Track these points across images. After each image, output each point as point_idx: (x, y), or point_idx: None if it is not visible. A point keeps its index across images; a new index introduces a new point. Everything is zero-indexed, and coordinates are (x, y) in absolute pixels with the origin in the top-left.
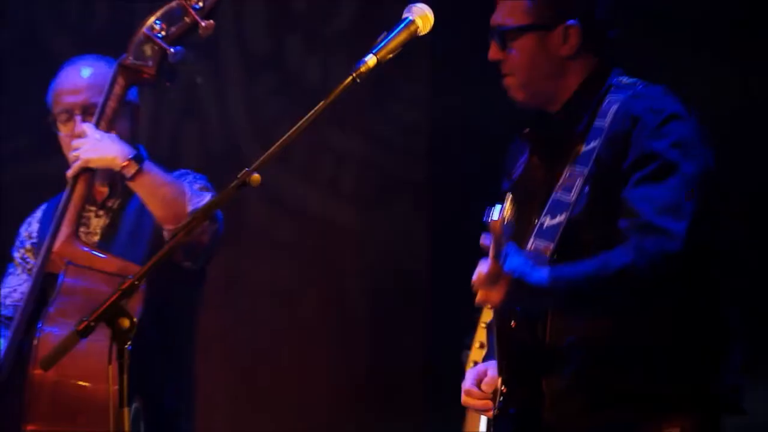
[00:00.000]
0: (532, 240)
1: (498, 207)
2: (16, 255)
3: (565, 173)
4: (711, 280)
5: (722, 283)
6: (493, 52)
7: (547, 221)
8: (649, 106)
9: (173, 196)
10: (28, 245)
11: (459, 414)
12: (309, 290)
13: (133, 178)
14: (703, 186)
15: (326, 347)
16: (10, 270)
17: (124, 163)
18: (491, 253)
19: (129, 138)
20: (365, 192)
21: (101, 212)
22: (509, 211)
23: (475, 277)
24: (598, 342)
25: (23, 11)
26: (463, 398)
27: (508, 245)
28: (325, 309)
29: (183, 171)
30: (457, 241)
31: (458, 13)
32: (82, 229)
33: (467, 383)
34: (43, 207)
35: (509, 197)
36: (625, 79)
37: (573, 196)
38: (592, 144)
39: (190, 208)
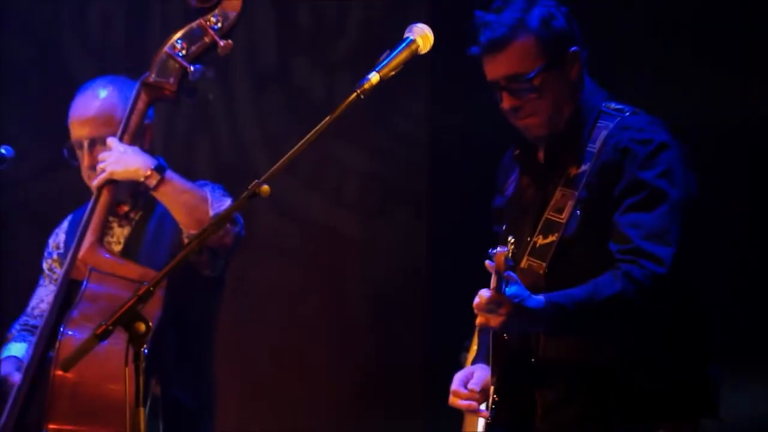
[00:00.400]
0: (525, 258)
1: (501, 247)
2: (44, 266)
3: (557, 194)
4: (693, 294)
5: (702, 296)
6: (509, 102)
7: (540, 240)
8: (637, 138)
9: (195, 202)
10: (55, 255)
11: (457, 416)
12: (313, 295)
13: (156, 187)
14: (687, 210)
15: (329, 351)
16: (40, 282)
17: (147, 173)
18: (492, 283)
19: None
20: (368, 202)
21: (124, 222)
22: (512, 248)
23: (476, 301)
24: (588, 354)
25: (48, 31)
26: (450, 399)
27: (509, 273)
28: (328, 314)
29: (201, 182)
30: (455, 249)
31: (457, 32)
32: (105, 238)
33: (455, 384)
34: (69, 218)
35: (512, 239)
36: (613, 105)
37: (564, 216)
38: (583, 167)
39: (212, 213)
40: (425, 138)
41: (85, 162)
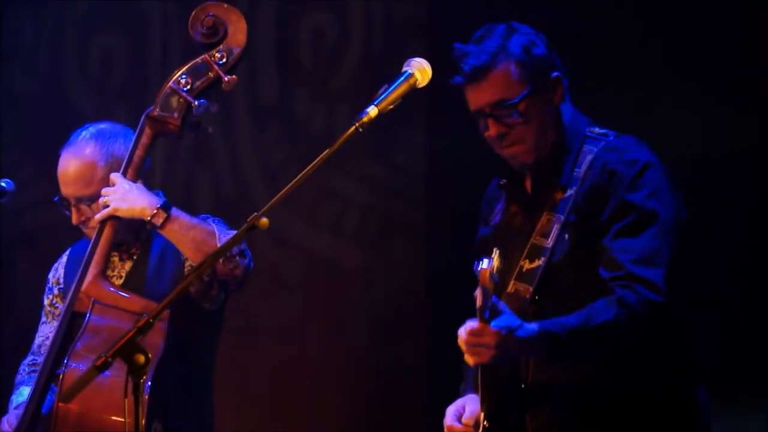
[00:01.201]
0: (512, 283)
1: (486, 259)
2: (45, 302)
3: (543, 219)
4: (683, 315)
5: (692, 320)
6: (495, 128)
7: (527, 265)
8: (623, 159)
9: (203, 237)
10: (56, 291)
11: None
12: (314, 325)
13: (162, 226)
14: (676, 230)
15: (330, 382)
16: (42, 319)
17: (154, 212)
18: (478, 310)
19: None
20: (367, 233)
21: (125, 257)
22: (497, 263)
23: (461, 337)
24: (578, 378)
25: (48, 65)
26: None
27: (495, 299)
28: (329, 344)
29: (203, 216)
30: (452, 279)
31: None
32: (107, 273)
33: (448, 419)
34: (68, 252)
35: (497, 251)
36: (597, 129)
37: (551, 241)
38: (569, 192)
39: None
40: (423, 170)
41: (73, 218)
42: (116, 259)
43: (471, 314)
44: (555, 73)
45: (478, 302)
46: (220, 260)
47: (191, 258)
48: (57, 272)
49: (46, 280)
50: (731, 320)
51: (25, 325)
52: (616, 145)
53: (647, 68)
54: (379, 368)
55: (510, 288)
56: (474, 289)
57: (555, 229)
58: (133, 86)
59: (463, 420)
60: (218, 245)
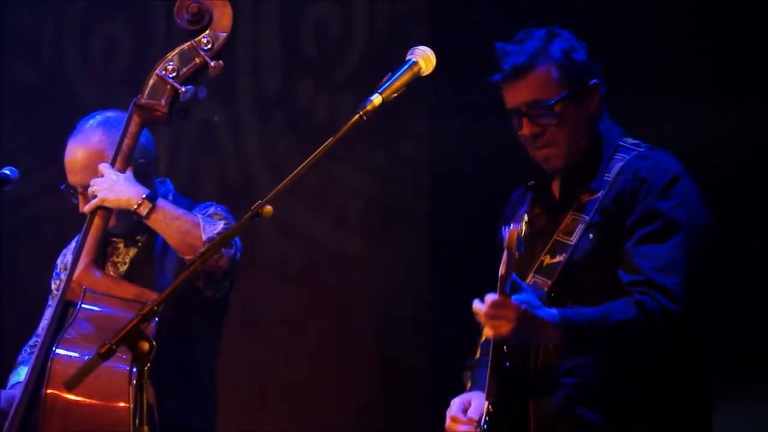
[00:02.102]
0: (531, 276)
1: (513, 223)
2: (53, 286)
3: (568, 218)
4: (697, 323)
5: (706, 321)
6: (530, 128)
7: (547, 260)
8: (656, 168)
9: (187, 227)
10: (63, 276)
11: None
12: (318, 314)
13: (147, 216)
14: (702, 240)
15: (333, 371)
16: (49, 302)
17: (139, 202)
18: (499, 282)
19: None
20: (371, 223)
21: (130, 243)
22: (524, 227)
23: (478, 306)
24: (586, 370)
25: (52, 53)
26: (448, 424)
27: (515, 277)
28: (332, 333)
29: (208, 203)
30: (456, 268)
31: (458, 54)
32: (112, 258)
33: (453, 410)
34: (76, 238)
35: (525, 218)
36: (629, 140)
37: (574, 239)
38: (598, 195)
39: (205, 237)
40: (427, 158)
41: (80, 206)
42: (121, 245)
43: (476, 295)
44: (593, 81)
45: (502, 268)
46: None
47: (175, 248)
48: (65, 258)
49: (53, 265)
50: (738, 315)
51: (29, 311)
52: (650, 155)
53: (645, 64)
54: (382, 357)
55: (529, 280)
56: (482, 279)
57: (579, 228)
58: (136, 75)
59: (469, 414)
60: (203, 236)
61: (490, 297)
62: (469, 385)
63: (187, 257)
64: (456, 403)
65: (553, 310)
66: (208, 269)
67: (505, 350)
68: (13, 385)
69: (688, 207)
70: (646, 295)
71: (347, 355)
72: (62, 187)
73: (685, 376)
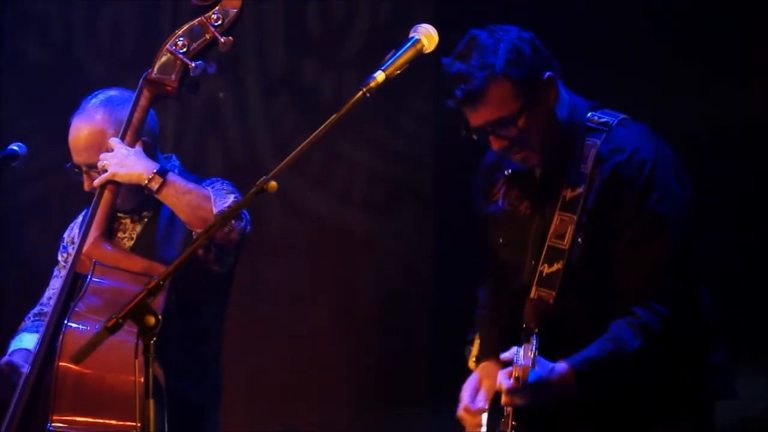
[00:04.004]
0: (534, 288)
1: (521, 350)
2: (60, 258)
3: (556, 219)
4: (696, 292)
5: (704, 290)
6: (498, 144)
7: (546, 269)
8: (631, 162)
9: (198, 201)
10: (70, 249)
11: None
12: (322, 291)
13: (158, 191)
14: (687, 221)
15: (337, 347)
16: (55, 273)
17: (150, 177)
18: (514, 373)
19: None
20: (375, 199)
21: (136, 218)
22: (534, 355)
23: (499, 385)
24: None
25: (61, 33)
26: (460, 412)
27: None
28: (336, 309)
29: (214, 179)
30: (460, 244)
31: (461, 31)
32: (118, 233)
33: (465, 398)
34: (84, 212)
35: (533, 341)
36: (596, 117)
37: (567, 243)
38: (578, 190)
39: (216, 210)
40: (430, 136)
41: (85, 185)
42: (128, 221)
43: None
44: (547, 74)
45: (515, 372)
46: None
47: (187, 222)
48: (72, 231)
49: (60, 238)
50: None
51: (35, 286)
52: (619, 143)
53: (639, 48)
54: (384, 332)
55: (533, 294)
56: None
57: (570, 231)
58: (143, 54)
59: (478, 403)
60: (213, 209)
61: (505, 383)
62: (477, 343)
63: (197, 230)
64: (467, 390)
65: (564, 366)
66: (219, 242)
67: None
68: (12, 352)
69: (668, 196)
70: (647, 309)
71: (352, 330)
72: (67, 166)
73: (691, 342)
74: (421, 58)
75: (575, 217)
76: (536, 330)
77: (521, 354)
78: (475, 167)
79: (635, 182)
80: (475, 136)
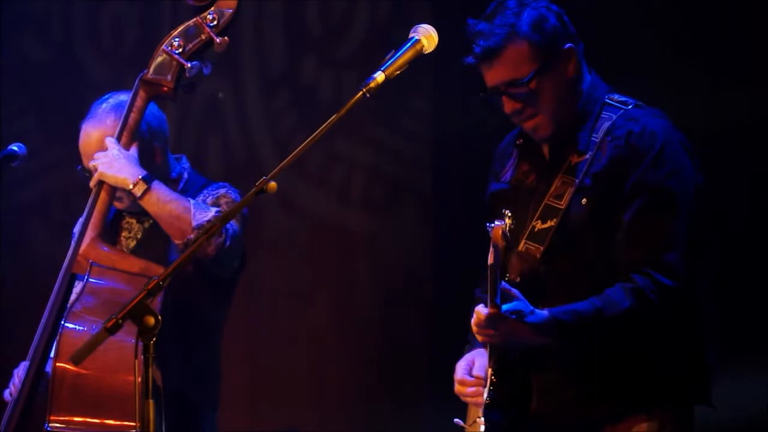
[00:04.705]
0: (523, 242)
1: (498, 220)
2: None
3: (557, 181)
4: (696, 286)
5: (703, 285)
6: (510, 105)
7: (539, 225)
8: (645, 133)
9: (178, 212)
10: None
11: (462, 406)
12: (322, 290)
13: (141, 197)
14: (695, 205)
15: (337, 345)
16: None
17: (135, 182)
18: (489, 294)
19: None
20: (374, 198)
21: (143, 218)
22: (509, 222)
23: (474, 319)
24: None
25: (62, 33)
26: (457, 388)
27: (505, 285)
28: (336, 308)
29: (221, 183)
30: (458, 243)
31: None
32: (123, 234)
33: (459, 373)
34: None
35: (508, 213)
36: (616, 97)
37: (564, 203)
38: (585, 156)
39: (195, 223)
40: (429, 135)
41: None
42: (134, 221)
43: (477, 272)
44: (567, 45)
45: (490, 258)
46: (188, 237)
47: (166, 231)
48: (81, 227)
49: (71, 234)
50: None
51: (38, 285)
52: (636, 116)
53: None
54: (385, 333)
55: (521, 247)
56: (482, 249)
57: (569, 192)
58: (143, 53)
59: (474, 373)
60: (192, 222)
61: (482, 311)
62: (467, 347)
63: (177, 242)
64: (461, 366)
65: (544, 312)
66: (197, 255)
67: None
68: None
69: (679, 174)
70: (647, 278)
71: (351, 329)
72: (78, 168)
73: (684, 344)
74: (420, 57)
75: (576, 180)
76: (518, 280)
77: (495, 223)
78: (474, 167)
79: (647, 154)
80: (488, 99)
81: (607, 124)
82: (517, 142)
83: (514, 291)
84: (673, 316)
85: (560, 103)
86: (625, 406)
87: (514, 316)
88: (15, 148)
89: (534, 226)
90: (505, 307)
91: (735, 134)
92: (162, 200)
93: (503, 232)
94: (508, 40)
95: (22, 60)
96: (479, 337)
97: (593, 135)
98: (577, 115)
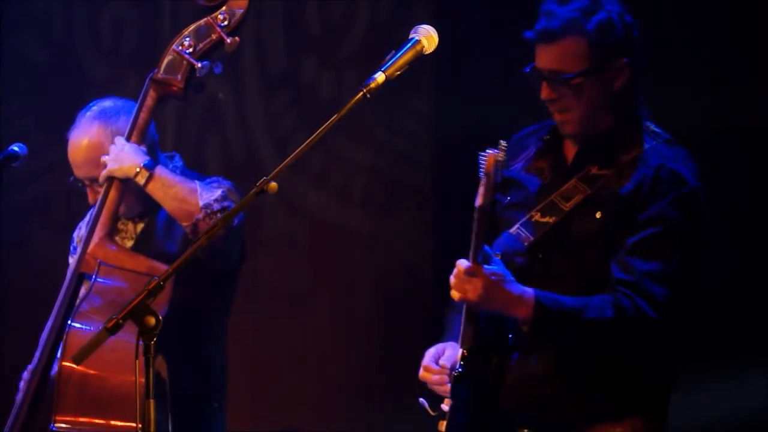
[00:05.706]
0: (517, 226)
1: (491, 149)
2: (70, 261)
3: (570, 183)
4: (676, 335)
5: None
6: (546, 92)
7: (536, 216)
8: (678, 171)
9: (184, 194)
10: (79, 250)
11: None
12: (321, 290)
13: (146, 184)
14: (699, 256)
15: (337, 345)
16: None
17: (137, 170)
18: (471, 251)
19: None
20: (374, 198)
21: (137, 219)
22: (503, 154)
23: (453, 272)
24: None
25: (62, 33)
26: (421, 373)
27: (488, 249)
28: (336, 308)
29: (215, 178)
30: (458, 244)
31: (461, 32)
32: (119, 234)
33: (426, 359)
34: (91, 212)
35: (502, 143)
36: (652, 126)
37: (570, 206)
38: (605, 171)
39: (202, 203)
40: (429, 136)
41: (89, 198)
42: (129, 223)
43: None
44: (625, 60)
45: (480, 199)
46: (195, 217)
47: (173, 214)
48: (80, 231)
49: (70, 239)
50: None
51: (38, 286)
52: (670, 152)
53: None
54: (385, 333)
55: (513, 230)
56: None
57: (578, 198)
58: (144, 54)
59: (441, 362)
60: (199, 202)
61: (463, 263)
62: (444, 333)
63: (184, 224)
64: (430, 353)
65: (530, 289)
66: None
67: None
68: None
69: (695, 218)
70: (629, 299)
71: (349, 329)
72: (71, 180)
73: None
74: (420, 58)
75: (589, 191)
76: (498, 256)
77: (488, 151)
78: (475, 168)
79: (671, 191)
80: (529, 78)
81: (638, 151)
82: (545, 137)
83: (496, 260)
84: (650, 341)
85: (595, 111)
86: (596, 411)
87: (494, 278)
88: (16, 149)
89: (532, 216)
90: (487, 267)
91: (735, 134)
92: (167, 184)
93: (496, 162)
94: (569, 32)
95: (22, 60)
96: (454, 293)
97: (622, 155)
98: (610, 129)
